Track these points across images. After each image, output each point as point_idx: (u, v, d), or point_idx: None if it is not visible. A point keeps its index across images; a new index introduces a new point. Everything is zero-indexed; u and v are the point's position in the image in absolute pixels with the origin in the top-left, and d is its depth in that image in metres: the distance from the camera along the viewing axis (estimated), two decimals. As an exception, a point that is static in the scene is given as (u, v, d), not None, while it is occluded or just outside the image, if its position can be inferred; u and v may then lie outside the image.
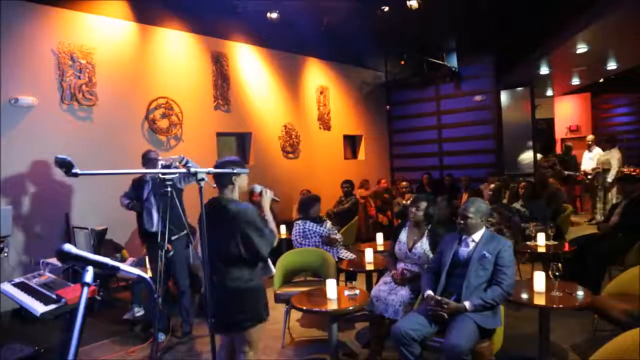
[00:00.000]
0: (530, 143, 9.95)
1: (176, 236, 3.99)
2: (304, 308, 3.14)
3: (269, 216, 2.67)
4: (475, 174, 9.11)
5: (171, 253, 3.85)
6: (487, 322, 2.75)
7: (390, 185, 9.64)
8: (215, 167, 2.61)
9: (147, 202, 4.13)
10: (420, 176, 9.28)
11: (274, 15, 6.51)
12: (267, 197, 2.75)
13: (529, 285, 3.13)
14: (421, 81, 9.97)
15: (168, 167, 3.88)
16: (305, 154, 8.72)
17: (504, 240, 2.96)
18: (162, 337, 4.01)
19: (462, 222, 2.98)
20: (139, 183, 4.26)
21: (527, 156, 9.97)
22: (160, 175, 3.74)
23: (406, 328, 2.74)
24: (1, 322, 4.58)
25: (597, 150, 8.50)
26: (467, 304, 2.73)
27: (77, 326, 1.13)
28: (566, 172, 8.77)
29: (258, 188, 2.77)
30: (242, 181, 2.69)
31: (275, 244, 2.62)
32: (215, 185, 2.66)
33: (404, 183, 8.03)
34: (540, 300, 2.94)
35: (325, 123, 9.26)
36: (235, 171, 2.56)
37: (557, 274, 2.95)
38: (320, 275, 4.17)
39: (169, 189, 3.45)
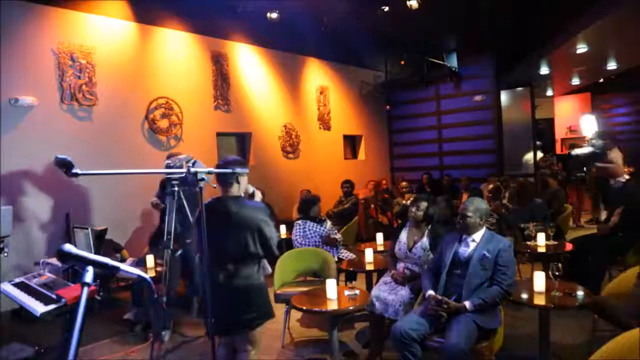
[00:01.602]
0: (531, 143, 9.95)
1: (189, 240, 3.98)
2: (304, 308, 3.14)
3: None
4: (475, 174, 9.11)
5: (179, 252, 3.86)
6: (487, 322, 2.75)
7: (390, 185, 9.65)
8: (219, 166, 2.64)
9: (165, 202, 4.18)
10: (420, 176, 9.28)
11: (274, 15, 6.51)
12: (258, 198, 2.86)
13: (529, 285, 3.12)
14: (421, 81, 9.96)
15: (178, 167, 3.89)
16: (305, 154, 8.72)
17: (504, 239, 2.96)
18: (165, 336, 4.01)
19: (461, 221, 2.98)
20: (163, 183, 4.31)
21: (528, 156, 9.97)
22: (165, 176, 3.77)
23: (406, 328, 2.74)
24: (1, 322, 4.58)
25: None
26: (467, 303, 2.73)
27: (77, 326, 1.13)
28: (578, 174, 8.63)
29: (250, 189, 2.82)
30: (244, 180, 2.72)
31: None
32: (215, 186, 2.67)
33: (404, 183, 8.04)
34: (540, 300, 2.94)
35: (325, 123, 9.26)
36: (235, 171, 2.57)
37: (557, 274, 2.94)
38: (320, 275, 4.17)
39: (176, 189, 3.47)
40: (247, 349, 2.63)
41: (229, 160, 2.66)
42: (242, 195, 2.72)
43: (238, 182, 2.67)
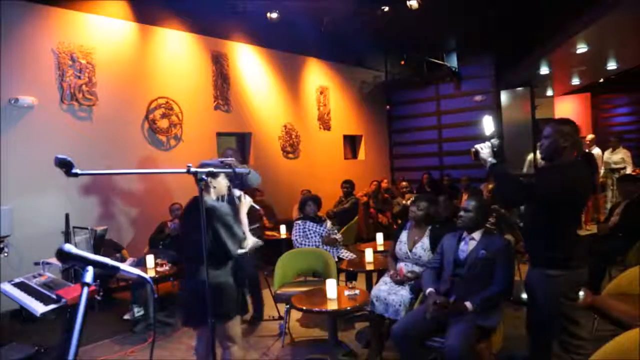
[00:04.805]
0: (531, 143, 9.93)
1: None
2: (304, 308, 3.14)
3: (244, 220, 2.84)
4: (475, 174, 9.10)
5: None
6: (487, 322, 2.75)
7: (390, 185, 9.65)
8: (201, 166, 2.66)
9: None
10: (420, 176, 9.27)
11: (274, 15, 6.50)
12: (246, 202, 2.90)
13: (529, 285, 3.11)
14: (421, 81, 9.97)
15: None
16: (305, 154, 8.72)
17: (502, 239, 2.96)
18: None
19: (463, 215, 2.97)
20: None
21: (528, 156, 9.96)
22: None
23: (406, 328, 2.74)
24: (1, 322, 4.58)
25: (596, 150, 8.48)
26: (468, 304, 2.72)
27: (77, 326, 1.13)
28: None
29: (237, 192, 2.84)
30: (218, 183, 2.73)
31: (243, 245, 2.70)
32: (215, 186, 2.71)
33: (404, 183, 8.05)
34: (540, 300, 2.93)
35: (325, 123, 9.26)
36: (237, 171, 2.60)
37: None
38: (321, 275, 4.17)
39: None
40: (227, 344, 2.65)
41: (204, 163, 2.64)
42: (218, 197, 2.75)
43: (207, 185, 2.65)
